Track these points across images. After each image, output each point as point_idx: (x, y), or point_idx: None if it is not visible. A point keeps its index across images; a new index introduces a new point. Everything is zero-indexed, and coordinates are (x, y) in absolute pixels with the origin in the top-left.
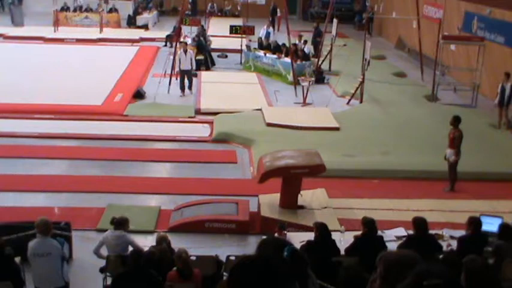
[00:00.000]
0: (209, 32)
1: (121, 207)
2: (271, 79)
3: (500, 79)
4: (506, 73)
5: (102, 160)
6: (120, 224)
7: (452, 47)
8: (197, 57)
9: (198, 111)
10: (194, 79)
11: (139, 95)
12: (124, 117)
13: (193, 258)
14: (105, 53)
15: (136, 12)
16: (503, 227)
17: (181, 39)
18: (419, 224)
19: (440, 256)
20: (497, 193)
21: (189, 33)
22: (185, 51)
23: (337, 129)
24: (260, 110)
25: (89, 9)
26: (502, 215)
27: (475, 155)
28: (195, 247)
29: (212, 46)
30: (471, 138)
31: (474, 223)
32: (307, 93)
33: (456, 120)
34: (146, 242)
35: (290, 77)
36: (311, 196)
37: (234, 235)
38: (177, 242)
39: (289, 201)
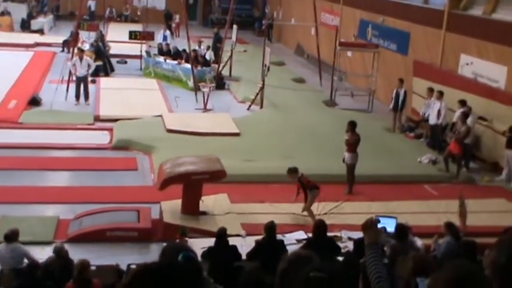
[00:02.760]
0: (108, 38)
1: (16, 219)
2: (171, 85)
3: (394, 85)
4: (400, 79)
5: None
6: (12, 237)
7: (349, 53)
8: (96, 63)
9: (97, 118)
10: (92, 85)
11: (35, 101)
12: (19, 125)
13: (93, 268)
14: None
15: (31, 16)
16: (398, 227)
17: (79, 45)
18: (319, 226)
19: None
20: (391, 194)
21: (87, 38)
22: (81, 59)
23: (237, 134)
24: (160, 116)
25: None
26: (397, 215)
27: (372, 158)
28: (95, 257)
29: (111, 52)
30: (367, 141)
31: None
32: (207, 99)
33: (352, 125)
34: (43, 253)
35: (190, 83)
36: (213, 202)
37: (136, 243)
38: (77, 253)
39: (191, 207)
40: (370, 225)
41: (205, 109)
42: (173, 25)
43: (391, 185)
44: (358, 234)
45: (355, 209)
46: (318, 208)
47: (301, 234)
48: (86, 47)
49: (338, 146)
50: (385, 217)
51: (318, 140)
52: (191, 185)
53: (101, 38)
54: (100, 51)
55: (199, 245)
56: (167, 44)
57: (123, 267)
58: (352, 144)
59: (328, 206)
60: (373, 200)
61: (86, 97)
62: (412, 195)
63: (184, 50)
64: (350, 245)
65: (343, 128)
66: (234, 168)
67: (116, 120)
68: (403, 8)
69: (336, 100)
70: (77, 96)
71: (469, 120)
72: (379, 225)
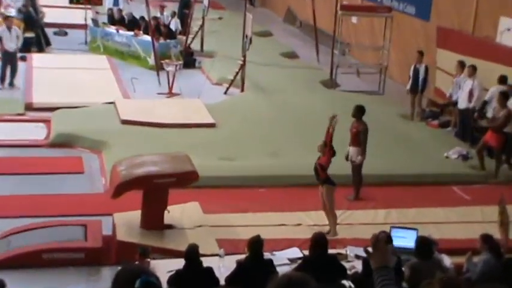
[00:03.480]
0: (41, 1)
1: None
2: (126, 63)
3: (412, 59)
4: (420, 52)
5: None
6: None
7: (354, 19)
8: (26, 35)
9: (29, 107)
10: (22, 64)
11: None
12: None
13: None
14: None
15: None
16: (419, 241)
17: (2, 10)
18: (318, 241)
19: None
20: (410, 199)
21: (12, 1)
22: (9, 28)
23: (212, 125)
24: (113, 103)
25: None
26: (418, 226)
27: (384, 153)
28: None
29: (46, 20)
30: (379, 133)
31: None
32: (173, 81)
33: (359, 111)
34: None
35: (151, 60)
36: (181, 212)
37: (83, 267)
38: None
39: (153, 220)
40: (376, 244)
41: (170, 94)
42: None
43: (409, 187)
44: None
45: (364, 218)
46: (313, 218)
47: (295, 252)
48: (12, 13)
49: (340, 139)
50: (403, 229)
51: (315, 131)
52: (153, 191)
53: (32, 2)
54: (31, 19)
55: (165, 268)
56: (119, 10)
57: None
58: (359, 136)
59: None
60: (386, 207)
61: (12, 80)
62: (437, 200)
63: (142, 18)
64: (358, 265)
65: (347, 115)
66: (209, 168)
67: (54, 109)
68: None
69: (338, 80)
70: (2, 79)
71: (511, 103)
72: (394, 239)
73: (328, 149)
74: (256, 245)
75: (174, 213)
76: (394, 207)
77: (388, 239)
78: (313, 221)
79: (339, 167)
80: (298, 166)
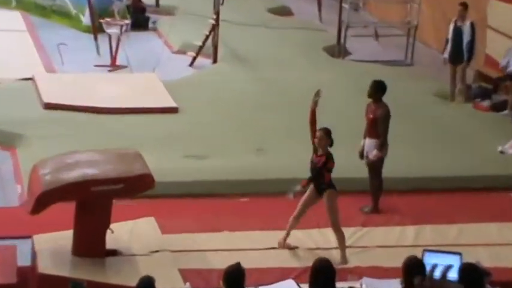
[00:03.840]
0: None
1: None
2: (50, 22)
3: (452, 15)
4: (463, 3)
5: None
6: None
7: None
8: None
9: None
10: None
11: None
12: None
13: None
14: None
15: None
16: (464, 270)
17: None
18: (321, 271)
19: None
20: (450, 212)
21: None
22: None
23: (174, 110)
24: (31, 80)
25: None
26: (463, 249)
27: (413, 148)
28: None
29: None
30: (406, 118)
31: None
32: (117, 48)
33: (377, 90)
34: None
35: (85, 19)
36: (130, 232)
37: None
38: None
39: (91, 244)
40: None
41: (113, 66)
42: None
43: (449, 194)
44: (389, 283)
45: (385, 239)
46: (315, 239)
47: (290, 286)
48: None
49: (351, 128)
50: (441, 253)
51: (317, 116)
52: (91, 203)
53: None
54: None
55: None
56: None
57: None
58: (377, 124)
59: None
60: (417, 223)
61: None
62: (488, 213)
63: None
64: None
65: (361, 94)
66: (169, 171)
67: None
68: None
69: (348, 46)
70: None
71: None
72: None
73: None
74: (234, 277)
75: (120, 233)
76: (427, 222)
77: (420, 268)
78: (315, 242)
79: (349, 167)
80: (292, 167)
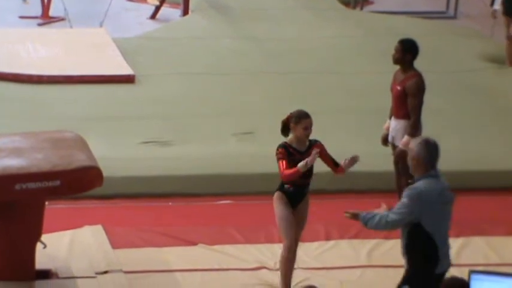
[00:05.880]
0: None
1: None
2: None
3: None
4: None
5: None
6: None
7: None
8: None
9: None
10: None
11: None
12: None
13: None
14: None
15: None
16: None
17: None
18: None
19: None
20: (507, 218)
21: None
22: None
23: (130, 80)
24: None
25: None
26: None
27: (455, 132)
28: None
29: None
30: (447, 91)
31: None
32: None
33: (407, 53)
34: None
35: None
36: (69, 246)
37: None
38: None
39: (15, 262)
40: None
41: (45, 18)
42: None
43: (505, 195)
44: None
45: None
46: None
47: None
48: None
49: (370, 105)
50: (493, 275)
51: (321, 89)
52: (15, 206)
53: None
54: None
55: None
56: None
57: None
58: (407, 100)
59: (358, 244)
60: (461, 233)
61: None
62: None
63: None
64: None
65: (384, 59)
66: (122, 162)
67: None
68: None
69: None
70: None
71: None
72: None
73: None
74: None
75: (55, 248)
76: (476, 233)
77: None
78: (317, 260)
79: (366, 157)
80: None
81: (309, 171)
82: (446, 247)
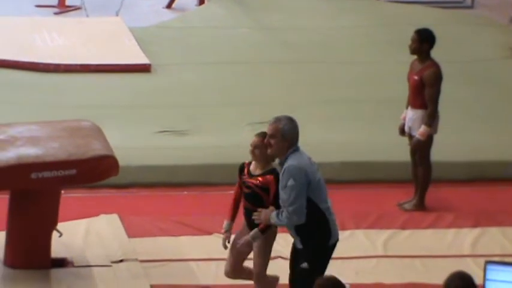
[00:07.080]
0: None
1: None
2: None
3: None
4: None
5: None
6: None
7: None
8: None
9: None
10: None
11: None
12: None
13: None
14: None
15: None
16: None
17: None
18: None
19: None
20: None
21: None
22: None
23: (146, 69)
24: None
25: None
26: None
27: (475, 122)
28: None
29: None
30: (465, 81)
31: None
32: None
33: (424, 41)
34: None
35: None
36: (85, 235)
37: None
38: None
39: (31, 251)
40: None
41: (62, 7)
42: None
43: None
44: None
45: (434, 245)
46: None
47: None
48: None
49: (386, 95)
50: (508, 265)
51: (342, 79)
52: (30, 194)
53: None
54: None
55: None
56: None
57: None
58: (424, 89)
59: (373, 234)
60: (477, 224)
61: None
62: None
63: None
64: None
65: (401, 48)
66: (138, 151)
67: None
68: None
69: None
70: None
71: None
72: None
73: None
74: None
75: (71, 236)
76: (493, 223)
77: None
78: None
79: (383, 147)
80: (307, 145)
81: (254, 200)
82: (333, 215)
